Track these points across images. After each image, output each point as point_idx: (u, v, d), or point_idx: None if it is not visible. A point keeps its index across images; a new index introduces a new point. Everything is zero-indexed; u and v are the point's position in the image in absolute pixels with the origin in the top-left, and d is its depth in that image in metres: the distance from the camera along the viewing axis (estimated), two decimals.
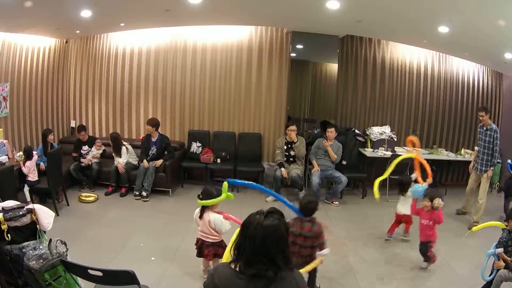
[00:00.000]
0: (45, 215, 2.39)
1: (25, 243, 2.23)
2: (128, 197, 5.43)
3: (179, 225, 4.44)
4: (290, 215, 3.29)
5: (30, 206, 2.36)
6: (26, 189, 4.56)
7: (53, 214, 2.48)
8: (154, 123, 5.56)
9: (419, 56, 6.51)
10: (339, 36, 6.17)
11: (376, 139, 6.24)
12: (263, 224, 1.42)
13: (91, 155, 5.62)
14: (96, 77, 6.43)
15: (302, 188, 5.61)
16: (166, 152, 5.62)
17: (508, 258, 2.94)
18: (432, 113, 6.65)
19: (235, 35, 6.23)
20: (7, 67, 5.12)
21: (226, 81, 6.31)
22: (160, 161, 5.47)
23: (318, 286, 3.27)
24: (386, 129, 6.37)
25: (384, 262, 3.87)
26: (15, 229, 2.25)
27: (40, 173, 4.74)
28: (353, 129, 6.29)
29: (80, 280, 2.40)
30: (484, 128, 4.92)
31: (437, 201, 3.59)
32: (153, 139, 5.57)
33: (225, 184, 3.15)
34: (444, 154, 6.37)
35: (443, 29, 4.71)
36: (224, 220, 3.08)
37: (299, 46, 6.21)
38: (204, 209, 3.14)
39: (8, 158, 4.71)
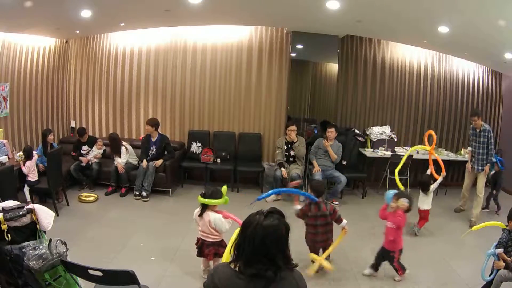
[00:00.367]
0: (45, 215, 2.39)
1: (25, 243, 2.23)
2: (128, 197, 5.43)
3: (179, 225, 4.44)
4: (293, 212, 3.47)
5: (30, 206, 2.36)
6: (26, 189, 4.57)
7: (53, 214, 2.48)
8: (153, 123, 5.56)
9: (419, 56, 6.51)
10: (339, 36, 6.17)
11: (376, 139, 6.24)
12: (263, 224, 1.42)
13: (92, 155, 5.63)
14: (96, 77, 6.43)
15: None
16: (166, 152, 5.62)
17: (508, 258, 2.94)
18: (432, 113, 6.65)
19: (235, 35, 6.23)
20: (7, 67, 5.11)
21: (226, 81, 6.31)
22: (160, 161, 5.47)
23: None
24: (386, 129, 6.37)
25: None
26: (15, 229, 2.25)
27: (40, 173, 4.74)
28: (353, 129, 6.29)
29: (80, 280, 2.40)
30: (478, 130, 5.02)
31: (402, 201, 3.45)
32: (153, 139, 5.56)
33: (224, 187, 3.19)
34: (444, 154, 6.36)
35: (443, 29, 4.71)
36: (224, 219, 3.09)
37: (299, 46, 6.21)
38: (204, 208, 3.14)
39: (8, 158, 4.71)
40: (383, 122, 6.55)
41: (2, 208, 2.27)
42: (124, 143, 5.64)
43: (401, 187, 4.61)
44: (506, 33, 4.34)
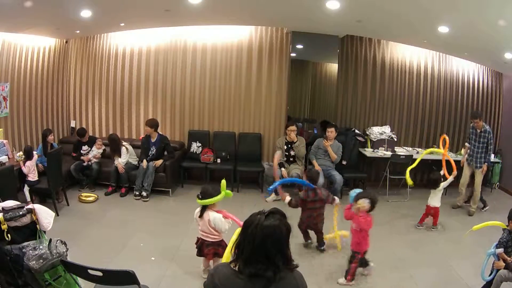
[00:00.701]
0: (45, 215, 2.40)
1: (25, 243, 2.23)
2: (128, 197, 5.43)
3: (179, 225, 4.44)
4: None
5: (30, 206, 2.36)
6: (26, 189, 4.57)
7: (53, 214, 2.48)
8: (152, 124, 5.55)
9: (419, 56, 6.51)
10: (339, 36, 6.17)
11: (376, 139, 6.24)
12: (263, 224, 1.42)
13: (92, 154, 5.63)
14: (96, 77, 6.43)
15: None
16: (166, 153, 5.62)
17: (508, 258, 2.94)
18: (432, 113, 6.65)
19: (235, 35, 6.22)
20: (7, 67, 5.11)
21: (226, 81, 6.31)
22: (160, 161, 5.47)
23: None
24: (386, 129, 6.37)
25: (384, 261, 3.86)
26: (15, 229, 2.25)
27: (40, 173, 4.74)
28: (353, 129, 6.29)
29: (80, 280, 2.40)
30: (478, 131, 5.20)
31: (361, 201, 3.31)
32: (153, 140, 5.56)
33: (223, 182, 3.19)
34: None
35: (443, 29, 4.71)
36: (224, 219, 3.09)
37: (299, 46, 6.21)
38: (204, 208, 3.15)
39: (8, 158, 4.71)
40: (383, 122, 6.55)
41: (2, 208, 2.27)
42: (124, 143, 5.64)
43: (410, 183, 4.80)
44: (506, 33, 4.34)
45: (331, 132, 5.55)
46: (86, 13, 4.60)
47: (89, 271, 2.08)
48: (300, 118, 6.46)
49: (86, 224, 4.41)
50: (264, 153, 6.45)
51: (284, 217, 1.49)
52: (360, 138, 6.23)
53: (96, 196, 5.25)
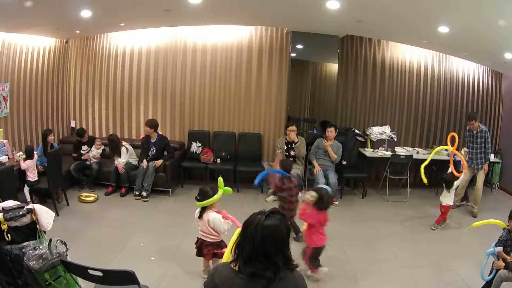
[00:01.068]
0: (45, 215, 2.39)
1: (25, 243, 2.23)
2: (128, 197, 5.43)
3: (179, 225, 4.44)
4: None
5: (30, 206, 2.36)
6: (26, 189, 4.57)
7: (53, 214, 2.48)
8: (152, 124, 5.55)
9: (419, 56, 6.51)
10: (339, 36, 6.17)
11: (376, 139, 6.24)
12: (263, 224, 1.42)
13: (92, 154, 5.64)
14: (96, 77, 6.43)
15: (302, 188, 5.60)
16: (165, 153, 5.62)
17: (508, 257, 2.93)
18: (432, 113, 6.65)
19: (235, 35, 6.23)
20: (7, 67, 5.11)
21: (226, 81, 6.31)
22: (160, 161, 5.47)
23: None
24: (386, 129, 6.37)
25: (384, 261, 3.87)
26: (15, 229, 2.25)
27: (40, 173, 4.75)
28: (353, 129, 6.29)
29: (80, 280, 2.40)
30: (475, 132, 5.25)
31: (308, 195, 3.31)
32: (152, 140, 5.56)
33: (220, 179, 3.19)
34: (444, 154, 6.36)
35: (443, 29, 4.71)
36: (223, 220, 3.08)
37: (299, 46, 6.21)
38: (204, 209, 3.14)
39: (8, 158, 4.71)
40: (383, 122, 6.55)
41: (2, 208, 2.27)
42: (124, 143, 5.64)
43: (425, 181, 4.81)
44: (506, 33, 4.34)
45: (331, 132, 5.54)
46: (86, 13, 4.60)
47: (89, 271, 2.08)
48: (300, 118, 6.46)
49: (86, 224, 4.41)
50: (264, 153, 6.45)
51: (284, 217, 1.49)
52: (360, 138, 6.23)
53: (96, 196, 5.25)
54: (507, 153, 6.57)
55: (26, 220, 2.29)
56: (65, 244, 2.37)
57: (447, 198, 4.76)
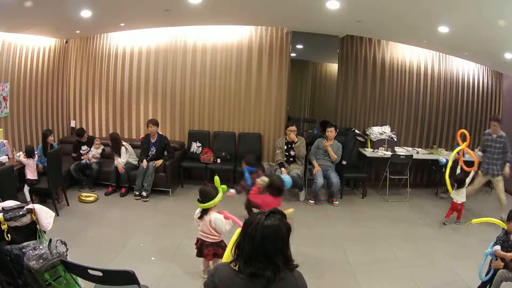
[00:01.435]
0: (45, 215, 2.39)
1: (25, 243, 2.23)
2: (128, 197, 5.43)
3: (179, 225, 4.44)
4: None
5: (30, 206, 2.36)
6: (26, 189, 4.57)
7: (53, 214, 2.48)
8: (157, 122, 5.60)
9: (419, 56, 6.51)
10: (339, 36, 6.17)
11: (376, 139, 6.24)
12: (263, 224, 1.42)
13: (91, 154, 5.63)
14: (96, 77, 6.43)
15: (302, 188, 5.61)
16: (165, 153, 5.62)
17: (507, 254, 2.93)
18: (432, 113, 6.65)
19: (235, 35, 6.23)
20: (7, 67, 5.11)
21: (226, 81, 6.31)
22: (160, 161, 5.47)
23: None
24: (386, 129, 6.37)
25: (384, 261, 3.87)
26: (15, 229, 2.25)
27: (40, 173, 4.75)
28: (353, 129, 6.29)
29: (80, 280, 2.40)
30: (495, 136, 5.02)
31: (260, 179, 3.65)
32: (152, 140, 5.56)
33: (216, 178, 3.21)
34: (444, 154, 6.36)
35: (443, 29, 4.71)
36: (225, 220, 3.08)
37: (299, 46, 6.21)
38: (204, 211, 3.13)
39: (8, 158, 4.71)
40: (383, 122, 6.55)
41: (2, 208, 2.27)
42: (124, 143, 5.64)
43: (451, 191, 4.95)
44: (506, 33, 4.34)
45: (331, 132, 5.54)
46: (86, 13, 4.60)
47: (89, 271, 2.08)
48: (300, 118, 6.46)
49: (86, 224, 4.41)
50: (264, 153, 6.45)
51: (284, 217, 1.49)
52: (360, 138, 6.23)
53: (96, 196, 5.25)
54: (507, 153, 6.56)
55: (26, 220, 2.29)
56: (65, 244, 2.37)
57: (461, 196, 4.84)
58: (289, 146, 5.63)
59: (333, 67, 6.32)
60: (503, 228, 3.11)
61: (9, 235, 2.20)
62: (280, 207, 3.38)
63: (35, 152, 4.75)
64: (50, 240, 2.32)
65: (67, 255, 2.34)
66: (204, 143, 6.20)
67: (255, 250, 1.41)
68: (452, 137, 6.76)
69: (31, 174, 4.60)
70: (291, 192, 5.82)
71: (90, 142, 5.75)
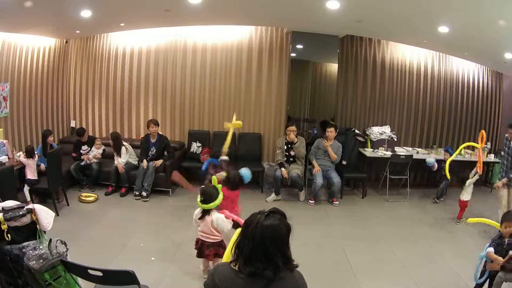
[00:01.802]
0: (45, 215, 2.39)
1: (25, 243, 2.23)
2: (128, 197, 5.43)
3: (179, 225, 4.44)
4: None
5: (30, 206, 2.36)
6: (26, 189, 4.57)
7: (53, 214, 2.48)
8: (158, 123, 5.62)
9: (419, 56, 6.51)
10: (339, 36, 6.17)
11: (376, 139, 6.24)
12: (263, 224, 1.42)
13: (92, 155, 5.63)
14: (96, 77, 6.43)
15: (302, 188, 5.61)
16: (165, 153, 5.62)
17: (499, 257, 2.91)
18: (432, 113, 6.65)
19: (235, 35, 6.23)
20: (7, 67, 5.11)
21: (226, 81, 6.31)
22: (160, 161, 5.47)
23: None
24: (386, 129, 6.37)
25: (384, 261, 3.87)
26: (15, 229, 2.25)
27: (40, 173, 4.74)
28: (353, 129, 6.29)
29: (80, 280, 2.40)
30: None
31: (219, 174, 3.81)
32: (152, 140, 5.56)
33: (214, 178, 3.25)
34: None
35: (443, 29, 4.71)
36: (226, 219, 3.08)
37: (299, 46, 6.21)
38: (205, 210, 3.13)
39: (8, 158, 4.71)
40: (383, 122, 6.55)
41: (2, 208, 2.27)
42: (124, 143, 5.64)
43: (449, 177, 5.08)
44: (506, 33, 4.34)
45: (331, 132, 5.54)
46: (86, 13, 4.60)
47: (89, 271, 2.08)
48: (300, 118, 6.46)
49: (86, 224, 4.41)
50: (264, 153, 6.45)
51: (284, 217, 1.49)
52: (360, 138, 6.23)
53: (96, 196, 5.25)
54: None
55: (26, 220, 2.29)
56: (65, 244, 2.37)
57: (464, 194, 4.89)
58: (289, 146, 5.63)
59: (333, 67, 6.32)
60: (499, 230, 3.10)
61: (9, 235, 2.20)
62: (237, 200, 3.76)
63: (35, 152, 4.75)
64: (50, 240, 2.32)
65: (67, 255, 2.34)
66: (204, 143, 6.20)
67: (255, 250, 1.41)
68: (452, 137, 6.77)
69: (31, 174, 4.60)
70: (291, 192, 5.82)
71: (90, 142, 5.74)
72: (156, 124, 5.56)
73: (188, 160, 6.10)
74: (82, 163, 5.54)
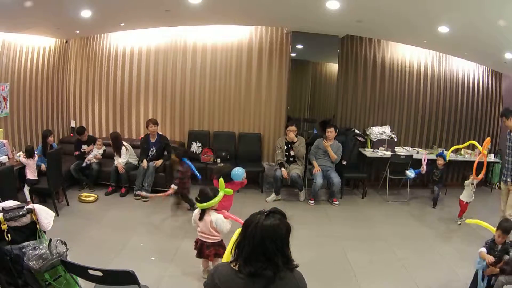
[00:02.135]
0: (45, 215, 2.39)
1: (25, 243, 2.23)
2: (128, 197, 5.43)
3: (179, 225, 4.44)
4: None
5: (30, 206, 2.36)
6: (26, 189, 4.57)
7: (53, 214, 2.48)
8: (157, 122, 5.62)
9: (419, 56, 6.51)
10: (339, 36, 6.17)
11: (376, 139, 6.24)
12: (263, 224, 1.42)
13: (92, 155, 5.63)
14: (96, 77, 6.43)
15: (302, 188, 5.61)
16: (165, 153, 5.62)
17: (491, 257, 2.90)
18: (432, 113, 6.65)
19: (235, 35, 6.23)
20: (7, 67, 5.11)
21: (226, 81, 6.31)
22: (160, 161, 5.47)
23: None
24: (386, 129, 6.37)
25: (384, 261, 3.87)
26: (15, 229, 2.24)
27: (40, 173, 4.74)
28: (353, 129, 6.29)
29: (80, 280, 2.40)
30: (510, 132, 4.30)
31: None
32: (152, 140, 5.56)
33: (221, 181, 3.21)
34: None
35: (443, 29, 4.71)
36: (225, 220, 3.08)
37: (299, 46, 6.21)
38: (204, 210, 3.14)
39: (8, 158, 4.71)
40: (383, 122, 6.55)
41: (2, 208, 2.27)
42: (124, 143, 5.64)
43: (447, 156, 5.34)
44: (506, 33, 4.34)
45: (331, 132, 5.54)
46: (86, 13, 4.60)
47: (89, 271, 2.08)
48: (300, 118, 6.47)
49: (86, 224, 4.41)
50: (264, 153, 6.45)
51: (284, 217, 1.49)
52: (360, 138, 6.23)
53: (96, 196, 5.25)
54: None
55: (26, 220, 2.29)
56: (65, 244, 2.37)
57: (464, 194, 4.88)
58: (289, 146, 5.63)
59: (333, 67, 6.32)
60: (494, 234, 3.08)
61: (9, 235, 2.19)
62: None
63: (35, 152, 4.75)
64: (50, 240, 2.32)
65: (67, 255, 2.34)
66: (204, 143, 6.20)
67: (254, 249, 1.41)
68: (452, 137, 6.78)
69: (31, 174, 4.60)
70: (291, 192, 5.82)
71: (90, 142, 5.74)
72: (155, 123, 5.55)
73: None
74: (83, 164, 5.54)
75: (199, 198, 3.10)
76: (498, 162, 6.48)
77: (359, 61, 6.36)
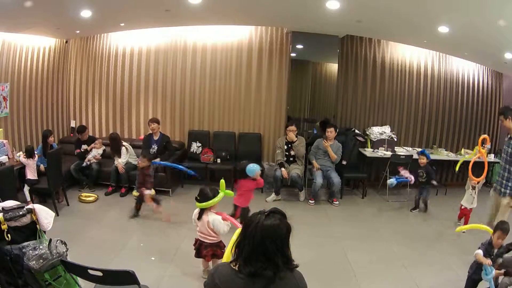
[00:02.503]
0: (45, 215, 2.39)
1: (25, 243, 2.23)
2: (128, 197, 5.42)
3: (179, 225, 4.44)
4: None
5: (30, 206, 2.36)
6: (26, 189, 4.57)
7: (53, 214, 2.48)
8: (158, 120, 5.64)
9: (419, 56, 6.51)
10: (339, 36, 6.17)
11: (376, 139, 6.24)
12: (263, 224, 1.42)
13: (92, 155, 5.63)
14: (96, 77, 6.43)
15: (302, 188, 5.61)
16: (166, 152, 5.63)
17: (487, 260, 2.89)
18: (432, 113, 6.65)
19: (235, 35, 6.23)
20: (7, 67, 5.11)
21: (226, 81, 6.31)
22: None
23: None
24: (386, 129, 6.37)
25: (384, 261, 3.87)
26: (15, 229, 2.24)
27: (40, 173, 4.74)
28: (353, 129, 6.29)
29: (80, 280, 2.40)
30: (509, 136, 3.78)
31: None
32: (155, 138, 5.59)
33: (222, 182, 3.22)
34: (444, 154, 6.37)
35: (443, 29, 4.71)
36: (223, 221, 3.08)
37: (299, 46, 6.21)
38: (203, 210, 3.14)
39: (8, 158, 4.71)
40: (383, 122, 6.55)
41: (2, 208, 2.27)
42: (124, 143, 5.64)
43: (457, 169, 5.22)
44: (506, 33, 4.34)
45: (331, 132, 5.54)
46: (86, 13, 4.60)
47: (89, 271, 2.08)
48: (300, 118, 6.47)
49: (86, 224, 4.41)
50: (264, 153, 6.45)
51: (284, 217, 1.49)
52: (360, 138, 6.23)
53: (96, 196, 5.25)
54: None
55: (26, 220, 2.29)
56: (65, 244, 2.37)
57: (463, 198, 4.73)
58: (289, 146, 5.63)
59: (333, 67, 6.32)
60: (491, 236, 3.06)
61: (9, 235, 2.19)
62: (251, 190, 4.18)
63: (35, 152, 4.75)
64: (50, 240, 2.32)
65: (67, 255, 2.33)
66: (204, 143, 6.20)
67: (255, 249, 1.41)
68: (452, 137, 6.77)
69: (31, 174, 4.60)
70: (291, 192, 5.82)
71: (90, 142, 5.74)
72: (155, 122, 5.58)
73: (188, 160, 6.09)
74: (83, 164, 5.54)
75: (198, 198, 3.11)
76: (498, 162, 6.47)
77: (359, 61, 6.36)
